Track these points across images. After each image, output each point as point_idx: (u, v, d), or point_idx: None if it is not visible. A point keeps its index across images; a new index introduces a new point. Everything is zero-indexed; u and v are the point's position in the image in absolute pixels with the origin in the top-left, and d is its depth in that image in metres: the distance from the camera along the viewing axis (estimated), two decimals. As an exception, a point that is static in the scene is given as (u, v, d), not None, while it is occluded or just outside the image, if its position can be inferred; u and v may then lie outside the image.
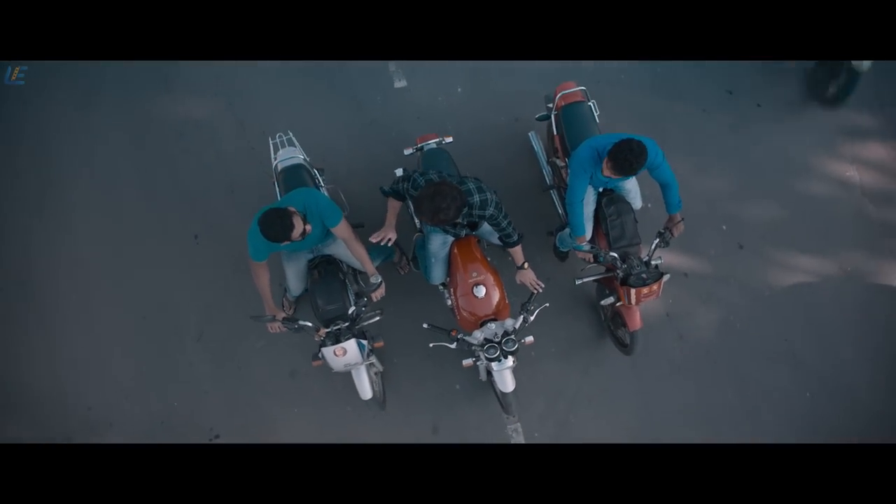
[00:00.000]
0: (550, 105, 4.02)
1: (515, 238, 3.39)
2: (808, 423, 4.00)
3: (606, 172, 3.22)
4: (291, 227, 3.01)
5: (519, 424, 4.03)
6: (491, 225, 3.32)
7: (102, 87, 4.97)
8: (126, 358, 4.25)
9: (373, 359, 3.65)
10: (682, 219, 3.52)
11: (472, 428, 4.02)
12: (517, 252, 3.47)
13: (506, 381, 3.35)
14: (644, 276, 3.40)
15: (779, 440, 3.95)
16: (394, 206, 3.47)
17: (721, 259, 4.41)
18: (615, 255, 3.47)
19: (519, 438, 4.00)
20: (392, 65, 4.93)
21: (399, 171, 3.89)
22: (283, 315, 3.35)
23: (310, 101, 4.87)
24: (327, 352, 3.27)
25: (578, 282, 3.67)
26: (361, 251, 3.41)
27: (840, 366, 4.12)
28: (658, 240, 3.46)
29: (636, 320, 3.62)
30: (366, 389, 3.49)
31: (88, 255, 4.49)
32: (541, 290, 3.46)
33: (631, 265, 3.42)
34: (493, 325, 3.28)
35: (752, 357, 4.18)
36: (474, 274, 3.48)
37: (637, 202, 3.78)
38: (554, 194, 4.24)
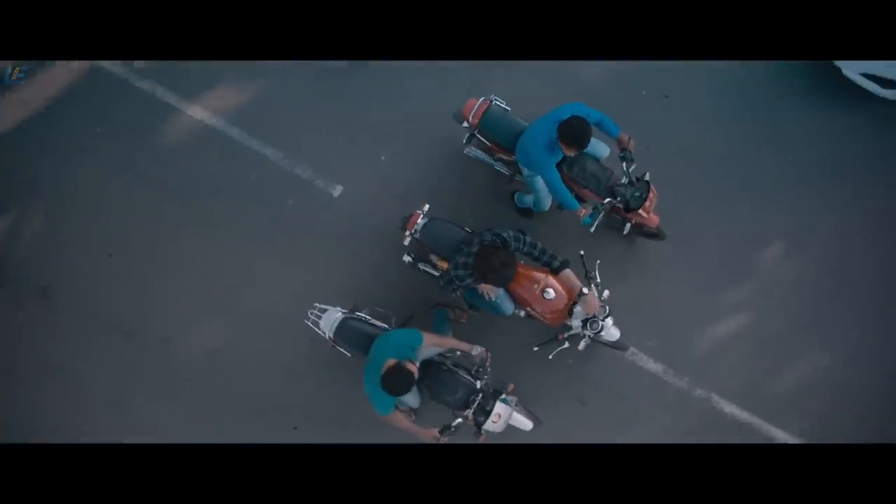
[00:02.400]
0: (466, 124, 4.14)
1: (557, 264, 3.60)
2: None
3: (570, 153, 3.56)
4: (411, 375, 3.25)
5: (633, 349, 4.48)
6: (531, 258, 3.61)
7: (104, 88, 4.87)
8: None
9: (514, 399, 3.97)
10: (630, 137, 3.84)
11: (619, 399, 4.48)
12: (568, 277, 3.64)
13: (615, 333, 3.80)
14: (637, 193, 3.85)
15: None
16: None
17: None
18: (609, 199, 3.86)
19: (642, 361, 4.50)
20: (320, 181, 4.76)
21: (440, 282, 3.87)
22: (438, 432, 3.64)
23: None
24: (489, 426, 3.67)
25: (592, 229, 4.06)
26: (450, 342, 3.70)
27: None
28: (624, 162, 3.84)
29: (654, 220, 4.08)
30: (526, 423, 3.96)
31: (87, 255, 4.63)
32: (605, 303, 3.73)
33: (623, 195, 3.82)
34: (579, 308, 3.67)
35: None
36: (535, 285, 3.72)
37: (602, 151, 4.03)
38: (517, 178, 4.34)
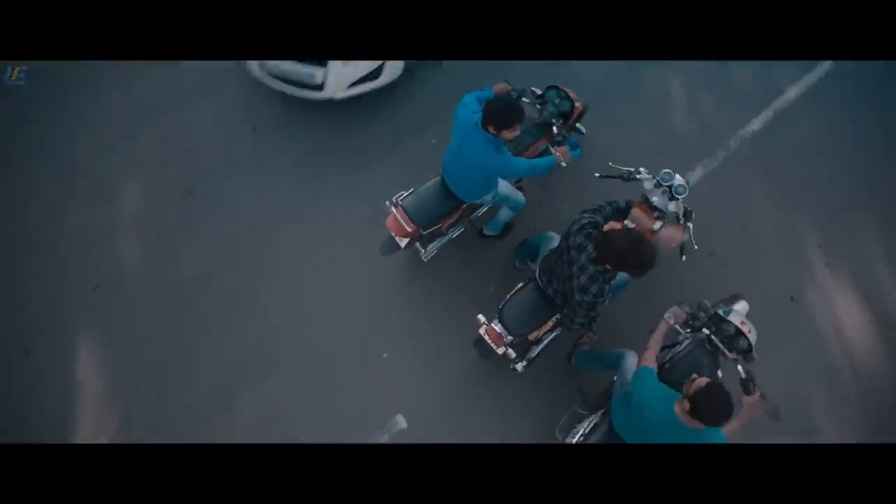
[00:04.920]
0: (403, 240, 3.83)
1: (624, 204, 3.36)
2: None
3: (516, 131, 3.23)
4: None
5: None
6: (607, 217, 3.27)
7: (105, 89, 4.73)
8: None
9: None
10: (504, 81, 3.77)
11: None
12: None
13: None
14: (557, 101, 3.87)
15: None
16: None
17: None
18: (554, 126, 3.78)
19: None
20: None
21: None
22: None
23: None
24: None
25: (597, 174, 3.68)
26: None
27: None
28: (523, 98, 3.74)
29: (578, 108, 3.96)
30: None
31: (84, 256, 4.36)
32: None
33: (554, 114, 3.82)
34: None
35: None
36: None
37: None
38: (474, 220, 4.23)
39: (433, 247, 4.08)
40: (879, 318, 4.29)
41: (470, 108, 3.34)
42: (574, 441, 3.45)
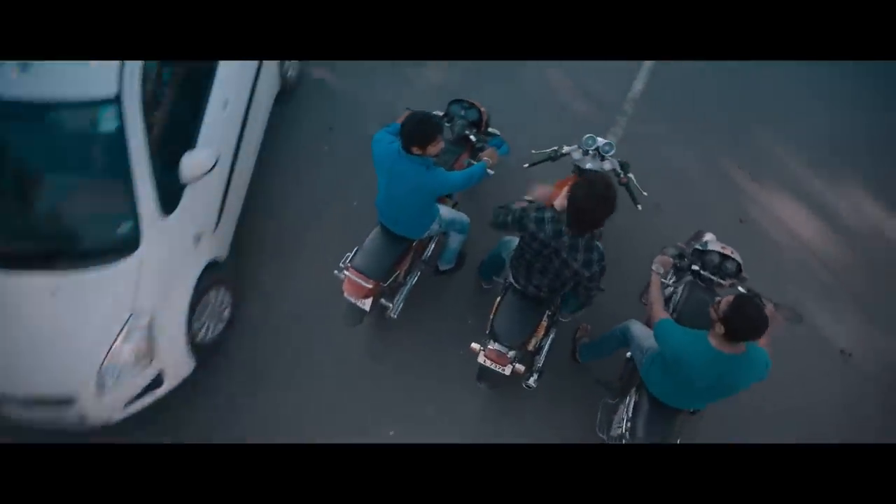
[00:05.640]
0: (363, 304, 3.58)
1: None
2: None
3: (440, 144, 3.10)
4: None
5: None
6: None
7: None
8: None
9: None
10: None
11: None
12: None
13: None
14: (463, 112, 3.83)
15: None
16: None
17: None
18: (469, 134, 3.74)
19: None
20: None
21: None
22: None
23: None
24: None
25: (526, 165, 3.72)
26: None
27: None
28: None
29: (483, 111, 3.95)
30: None
31: None
32: None
33: (464, 124, 3.76)
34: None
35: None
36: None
37: None
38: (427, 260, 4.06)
39: (398, 300, 3.80)
40: (817, 210, 4.53)
41: (385, 140, 3.21)
42: (620, 431, 3.21)
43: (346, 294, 3.45)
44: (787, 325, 3.14)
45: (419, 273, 3.95)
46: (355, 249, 3.52)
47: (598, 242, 2.94)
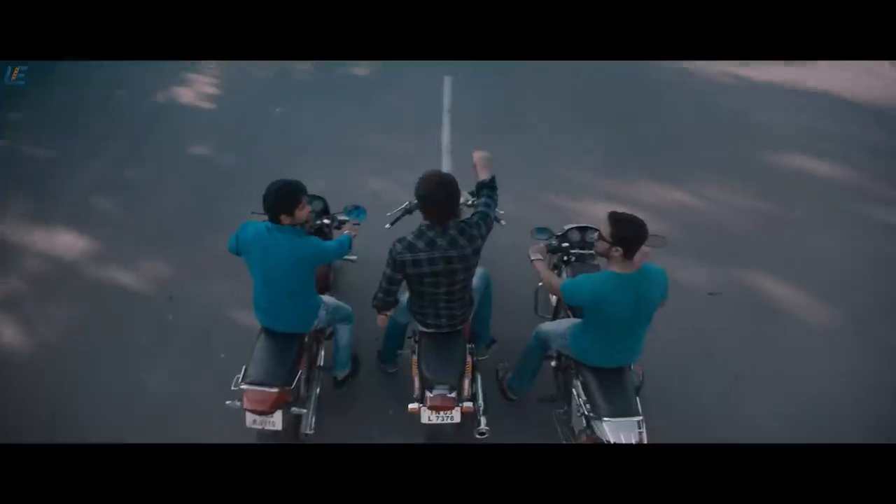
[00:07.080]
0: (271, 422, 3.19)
1: None
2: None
3: (304, 212, 3.05)
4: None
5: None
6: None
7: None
8: None
9: None
10: None
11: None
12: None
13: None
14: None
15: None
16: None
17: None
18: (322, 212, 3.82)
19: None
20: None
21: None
22: None
23: None
24: None
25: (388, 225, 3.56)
26: None
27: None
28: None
29: None
30: None
31: (81, 257, 4.45)
32: None
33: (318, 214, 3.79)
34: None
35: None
36: None
37: None
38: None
39: (309, 414, 3.36)
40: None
41: (250, 227, 3.07)
42: (585, 424, 3.06)
43: (249, 413, 2.95)
44: (654, 251, 3.25)
45: (321, 382, 3.60)
46: (244, 367, 3.10)
47: (457, 220, 2.98)
